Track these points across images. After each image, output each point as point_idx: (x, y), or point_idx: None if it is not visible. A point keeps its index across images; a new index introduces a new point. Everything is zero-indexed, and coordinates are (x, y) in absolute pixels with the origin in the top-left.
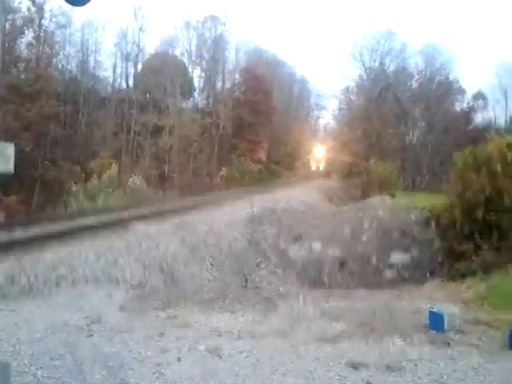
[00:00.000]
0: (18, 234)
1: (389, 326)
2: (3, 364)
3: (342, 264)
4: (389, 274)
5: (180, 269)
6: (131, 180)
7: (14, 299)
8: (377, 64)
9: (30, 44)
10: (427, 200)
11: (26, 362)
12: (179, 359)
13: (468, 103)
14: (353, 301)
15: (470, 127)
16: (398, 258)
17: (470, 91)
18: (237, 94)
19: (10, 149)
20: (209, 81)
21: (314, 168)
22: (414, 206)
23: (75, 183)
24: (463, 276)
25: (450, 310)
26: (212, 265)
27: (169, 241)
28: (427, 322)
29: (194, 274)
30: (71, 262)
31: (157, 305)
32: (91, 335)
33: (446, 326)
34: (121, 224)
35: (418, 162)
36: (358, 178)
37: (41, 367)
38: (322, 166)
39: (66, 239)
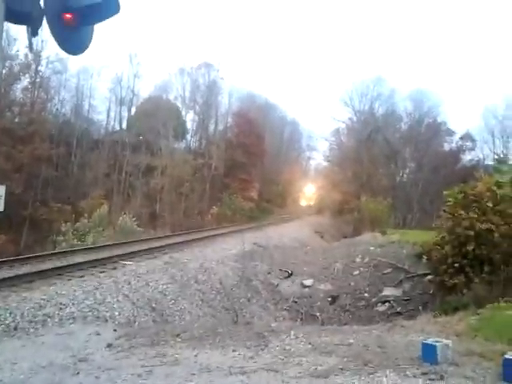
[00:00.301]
0: (5, 272)
1: (382, 360)
2: None
3: (334, 299)
4: (381, 308)
5: (170, 306)
6: (121, 219)
7: None
8: (366, 108)
9: (25, 89)
10: (418, 236)
11: None
12: None
13: (456, 143)
14: (345, 335)
15: (459, 166)
16: (390, 292)
17: (459, 132)
18: (229, 136)
19: (1, 190)
20: (202, 124)
21: (304, 206)
22: (405, 241)
23: (65, 223)
24: (455, 309)
25: (443, 342)
26: (202, 301)
27: (159, 278)
28: (420, 354)
29: (183, 311)
30: (59, 300)
31: (145, 342)
32: (77, 373)
33: (439, 359)
34: (110, 262)
35: (409, 200)
36: (349, 216)
37: None
38: (312, 204)
39: (54, 278)
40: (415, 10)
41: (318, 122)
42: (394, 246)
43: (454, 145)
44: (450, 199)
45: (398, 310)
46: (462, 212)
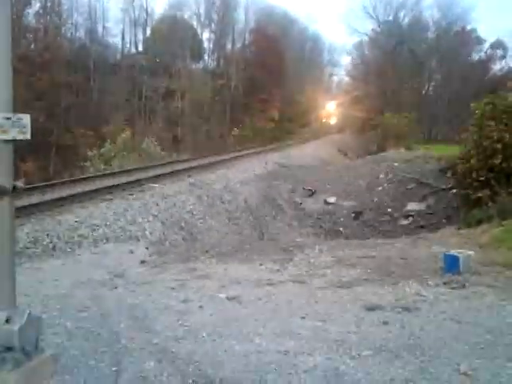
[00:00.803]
0: (39, 197)
1: (404, 270)
2: (35, 317)
3: (357, 215)
4: (404, 222)
5: (198, 224)
6: (144, 143)
7: (39, 258)
8: (391, 17)
9: (37, 14)
10: (443, 151)
11: (55, 314)
12: (201, 307)
13: (486, 52)
14: (368, 249)
15: (488, 76)
16: (413, 206)
17: (489, 40)
18: (248, 54)
19: (26, 118)
20: (219, 42)
21: (326, 124)
22: (430, 156)
23: (90, 148)
24: (479, 222)
25: (466, 253)
26: (229, 219)
27: (185, 199)
28: (443, 265)
29: (211, 229)
30: (91, 222)
31: (176, 259)
32: (115, 288)
33: (461, 269)
34: (137, 185)
35: (434, 113)
36: (373, 132)
37: (69, 319)
38: (334, 122)
39: (85, 201)
40: None
41: (340, 34)
42: (419, 161)
43: (483, 54)
44: (478, 111)
45: (422, 223)
46: (491, 123)
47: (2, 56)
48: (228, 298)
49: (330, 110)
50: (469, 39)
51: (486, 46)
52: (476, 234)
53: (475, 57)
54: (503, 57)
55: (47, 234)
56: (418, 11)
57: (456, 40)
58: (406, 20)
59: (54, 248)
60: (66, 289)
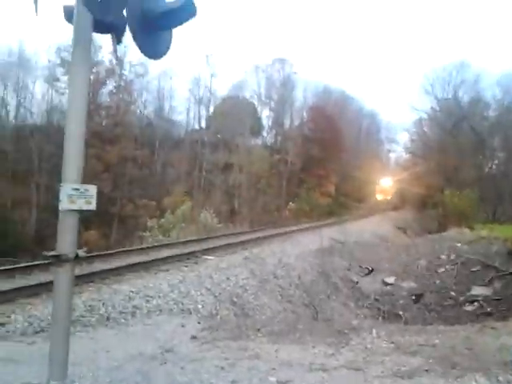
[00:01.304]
0: (98, 265)
1: (470, 363)
2: None
3: (418, 297)
4: (469, 307)
5: (250, 300)
6: (202, 215)
7: (93, 328)
8: (450, 95)
9: (110, 93)
10: (510, 232)
11: None
12: None
13: None
14: (430, 335)
15: None
16: (479, 290)
17: None
18: (305, 131)
19: (93, 190)
20: (277, 120)
21: (384, 200)
22: (495, 237)
23: (151, 218)
24: None
25: None
26: (282, 296)
27: (239, 273)
28: None
29: (263, 306)
30: (146, 292)
31: (227, 335)
32: (165, 363)
33: None
34: (192, 256)
35: (499, 192)
36: (433, 210)
37: None
38: (392, 198)
39: (142, 271)
40: None
41: (397, 112)
42: (483, 242)
43: None
44: None
45: (489, 310)
46: None
47: (77, 131)
48: (279, 382)
49: (386, 186)
50: None
51: None
52: None
53: None
54: None
55: (103, 303)
56: (478, 90)
57: None
58: (466, 98)
59: (108, 318)
60: (118, 361)
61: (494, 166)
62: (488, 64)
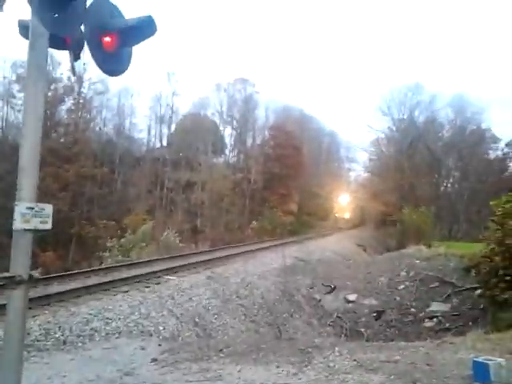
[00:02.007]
0: (55, 287)
1: (430, 378)
2: None
3: (379, 314)
4: (429, 323)
5: (213, 320)
6: (164, 234)
7: (49, 352)
8: (406, 116)
9: (69, 110)
10: (465, 248)
11: None
12: None
13: (502, 150)
14: (391, 352)
15: (506, 174)
16: (437, 307)
17: (505, 139)
18: (267, 149)
19: (48, 209)
20: (239, 138)
21: (345, 218)
22: (451, 254)
23: (111, 239)
24: (509, 326)
25: (497, 361)
26: (245, 316)
27: (202, 293)
28: (472, 373)
29: (226, 326)
30: (105, 315)
31: (189, 357)
32: None
33: (492, 378)
34: (153, 277)
35: (454, 210)
36: (391, 228)
37: None
38: (352, 216)
39: (101, 293)
40: (455, 12)
41: (356, 132)
42: (441, 258)
43: (499, 152)
44: (499, 209)
45: (447, 325)
46: None
47: (32, 149)
48: None
49: (348, 205)
50: (484, 138)
51: (502, 144)
52: (506, 340)
53: (492, 155)
54: None
55: (59, 327)
56: (432, 111)
57: (472, 138)
58: (421, 119)
59: (65, 342)
60: None
61: (449, 185)
62: (441, 86)
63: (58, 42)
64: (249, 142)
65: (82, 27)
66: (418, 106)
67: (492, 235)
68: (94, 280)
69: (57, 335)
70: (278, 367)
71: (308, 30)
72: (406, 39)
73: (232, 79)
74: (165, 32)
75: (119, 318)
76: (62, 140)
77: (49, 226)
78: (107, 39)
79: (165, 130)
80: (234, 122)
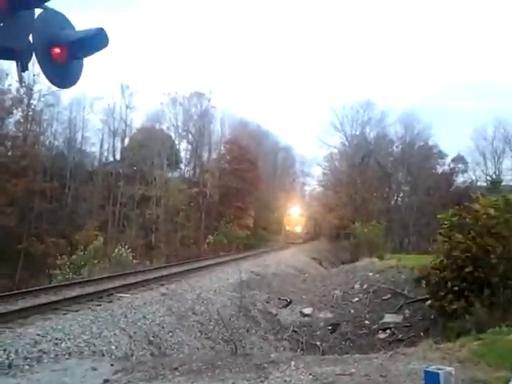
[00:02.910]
0: (0, 307)
1: None
2: None
3: (334, 327)
4: (382, 335)
5: (167, 338)
6: (117, 250)
7: None
8: (358, 132)
9: (18, 122)
10: (416, 260)
11: None
12: None
13: (449, 166)
14: (346, 365)
15: (453, 188)
16: (390, 318)
17: (451, 155)
18: (223, 163)
19: None
20: (195, 152)
21: (300, 232)
22: (403, 266)
23: (60, 256)
24: (457, 335)
25: (446, 370)
26: (200, 332)
27: (156, 310)
28: (423, 382)
29: (182, 344)
30: (54, 335)
31: (143, 377)
32: None
33: None
34: (106, 295)
35: (404, 223)
36: (345, 241)
37: None
38: (303, 229)
39: (50, 312)
40: (404, 30)
41: (311, 146)
42: (393, 270)
43: (446, 167)
44: (446, 222)
45: (400, 336)
46: (458, 235)
47: None
48: None
49: (303, 219)
50: (431, 153)
51: (449, 159)
52: (455, 349)
53: (439, 170)
54: (465, 171)
55: (4, 349)
56: (383, 127)
57: (420, 154)
58: (372, 135)
59: (10, 365)
60: None
61: (399, 199)
62: (391, 101)
63: (4, 52)
64: (205, 155)
65: (31, 37)
66: (369, 123)
67: (440, 247)
68: (43, 299)
69: (1, 358)
70: None
71: (265, 45)
72: (360, 53)
73: (187, 93)
74: (118, 42)
75: (69, 338)
76: (9, 153)
77: None
78: (57, 51)
79: (118, 144)
80: (190, 136)
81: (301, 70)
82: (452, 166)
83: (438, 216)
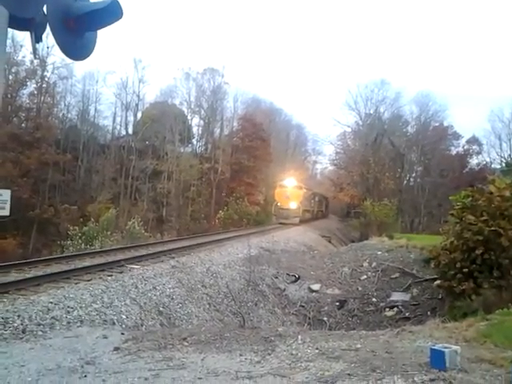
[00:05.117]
0: (14, 275)
1: (389, 365)
2: None
3: (342, 304)
4: (389, 313)
5: (177, 309)
6: (130, 223)
7: (7, 341)
8: (372, 111)
9: (31, 94)
10: (426, 241)
11: None
12: None
13: (463, 147)
14: (352, 340)
15: (466, 170)
16: (398, 297)
17: (466, 136)
18: (235, 140)
19: (6, 194)
20: (207, 128)
21: (295, 208)
22: (412, 246)
23: (73, 227)
24: (464, 315)
25: (452, 348)
26: (209, 305)
27: (166, 282)
28: (429, 360)
29: (190, 315)
30: (66, 303)
31: (152, 346)
32: (85, 376)
33: (447, 365)
34: (117, 266)
35: (416, 203)
36: (355, 220)
37: None
38: (306, 206)
39: (62, 281)
40: (419, 11)
41: (324, 125)
42: (402, 250)
43: (460, 149)
44: (458, 203)
45: (407, 314)
46: (471, 217)
47: None
48: None
49: (297, 191)
50: (446, 134)
51: (463, 141)
52: (461, 328)
53: (453, 151)
54: (479, 152)
55: (18, 315)
56: (398, 107)
57: (434, 135)
58: (387, 114)
59: (23, 330)
60: (32, 376)
61: (411, 179)
62: (406, 82)
63: (18, 23)
64: (217, 132)
65: (45, 8)
66: (384, 102)
67: (451, 228)
68: (55, 268)
69: (15, 324)
70: (241, 355)
71: (279, 22)
72: (375, 34)
73: (201, 68)
74: (132, 16)
75: (81, 307)
76: (23, 125)
77: (6, 212)
78: (71, 22)
79: (131, 118)
80: (202, 112)
81: (315, 48)
82: (466, 147)
83: (450, 197)
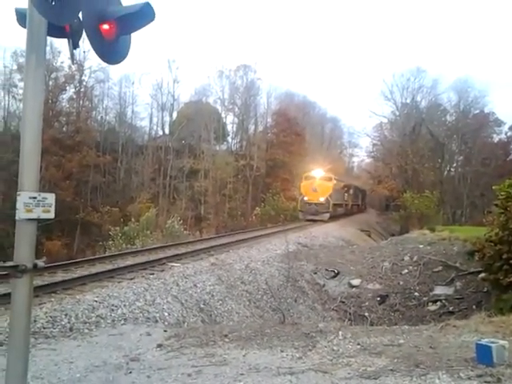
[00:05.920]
0: (60, 275)
1: (434, 361)
2: None
3: (383, 299)
4: (432, 307)
5: (217, 306)
6: (170, 222)
7: (55, 339)
8: (408, 101)
9: (71, 99)
10: (469, 232)
11: None
12: None
13: (506, 134)
14: (395, 336)
15: (510, 158)
16: (441, 290)
17: (508, 122)
18: (269, 136)
19: (51, 198)
20: (242, 125)
21: (323, 202)
22: (455, 238)
23: (114, 227)
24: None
25: (499, 343)
26: (249, 301)
27: (206, 279)
28: (475, 355)
29: (231, 312)
30: (110, 302)
31: (194, 342)
32: (130, 372)
33: (495, 360)
34: (158, 264)
35: (458, 194)
36: (395, 213)
37: None
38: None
39: (106, 280)
40: None
41: (359, 117)
42: (444, 243)
43: (503, 136)
44: (503, 193)
45: (451, 309)
46: None
47: (32, 138)
48: None
49: (326, 184)
50: (488, 121)
51: (506, 127)
52: (509, 322)
53: (495, 138)
54: None
55: (65, 314)
56: (435, 95)
57: (475, 122)
58: (424, 103)
59: (71, 328)
60: (80, 372)
61: (452, 169)
62: (443, 69)
63: (56, 30)
64: (251, 128)
65: (80, 15)
66: (421, 91)
67: (496, 219)
68: (99, 268)
69: (63, 322)
70: (282, 351)
71: (310, 15)
72: (408, 23)
73: (234, 66)
74: (164, 18)
75: (125, 305)
76: (64, 129)
77: (51, 215)
78: (105, 27)
79: (167, 118)
80: (236, 109)
81: (348, 40)
82: (509, 134)
83: (494, 187)
